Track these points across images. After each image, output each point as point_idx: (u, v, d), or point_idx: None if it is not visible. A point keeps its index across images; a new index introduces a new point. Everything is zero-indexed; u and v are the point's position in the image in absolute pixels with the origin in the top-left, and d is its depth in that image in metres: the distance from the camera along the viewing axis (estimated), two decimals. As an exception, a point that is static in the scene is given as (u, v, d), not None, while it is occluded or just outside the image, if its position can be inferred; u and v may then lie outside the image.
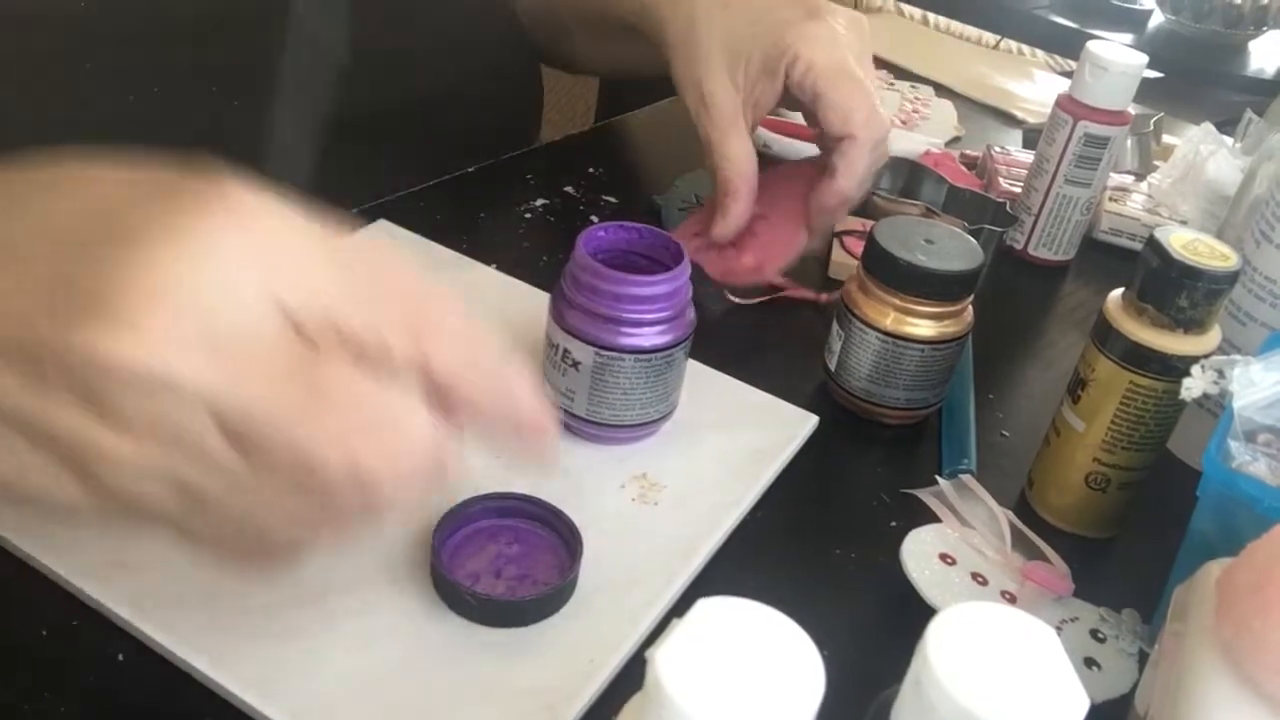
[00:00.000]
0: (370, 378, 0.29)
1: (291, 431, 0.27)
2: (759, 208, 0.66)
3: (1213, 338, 0.47)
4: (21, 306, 0.27)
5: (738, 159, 0.60)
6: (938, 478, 0.51)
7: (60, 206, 0.29)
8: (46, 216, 0.29)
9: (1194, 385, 0.44)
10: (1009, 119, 1.02)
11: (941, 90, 1.04)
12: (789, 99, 0.61)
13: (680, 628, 0.24)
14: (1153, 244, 0.46)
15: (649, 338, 0.47)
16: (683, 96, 0.62)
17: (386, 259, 0.31)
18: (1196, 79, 1.34)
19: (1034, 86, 1.10)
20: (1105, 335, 0.48)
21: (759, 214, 0.66)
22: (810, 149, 0.85)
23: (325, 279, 0.29)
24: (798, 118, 0.90)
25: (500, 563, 0.42)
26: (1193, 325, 0.46)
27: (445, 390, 0.31)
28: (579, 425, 0.49)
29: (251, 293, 0.28)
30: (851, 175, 0.59)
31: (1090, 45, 0.70)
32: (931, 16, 1.30)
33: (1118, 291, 0.49)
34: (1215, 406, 0.53)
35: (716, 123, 0.60)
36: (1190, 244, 0.46)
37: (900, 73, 1.06)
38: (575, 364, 0.48)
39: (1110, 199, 0.81)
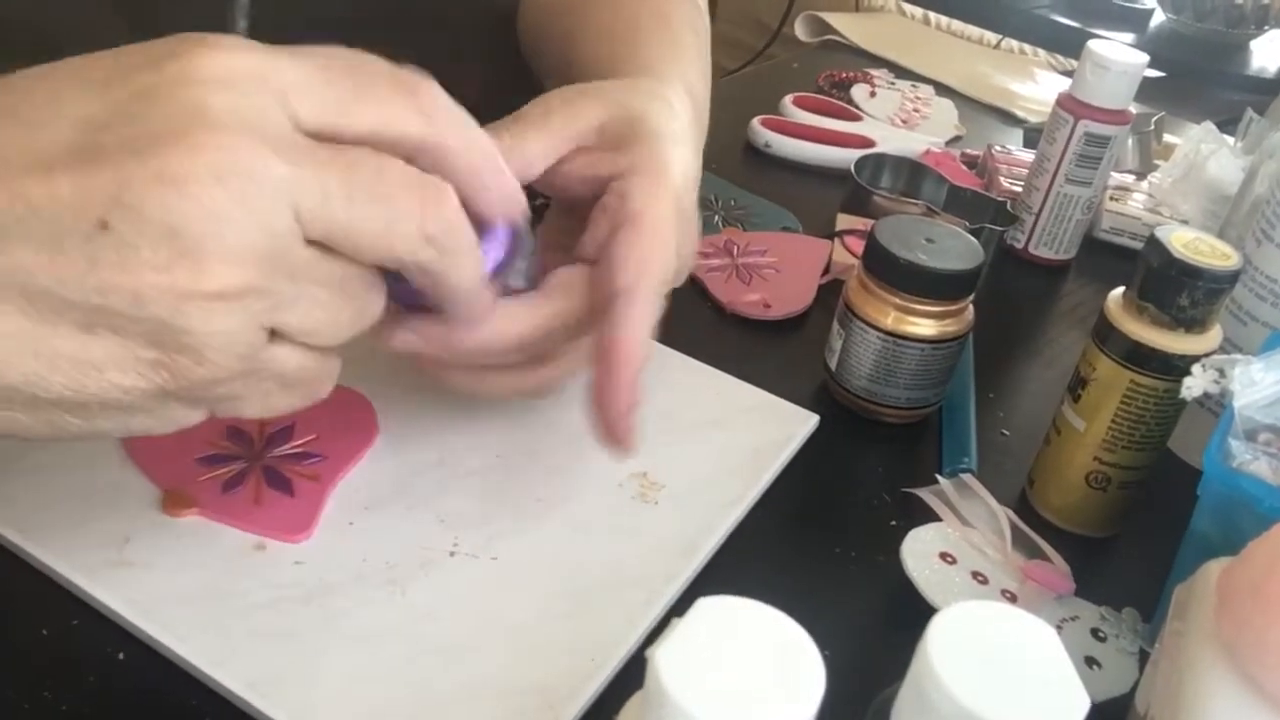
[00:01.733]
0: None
1: (370, 202, 0.30)
2: (774, 259, 0.67)
3: (1213, 337, 0.47)
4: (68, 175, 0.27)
5: (532, 159, 0.42)
6: (938, 476, 0.51)
7: (68, 85, 0.29)
8: (57, 101, 0.29)
9: (1194, 384, 0.44)
10: (1010, 118, 1.02)
11: (942, 89, 1.04)
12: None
13: (680, 627, 0.24)
14: (1153, 243, 0.46)
15: None
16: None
17: (354, 54, 0.32)
18: (1198, 78, 1.34)
19: (1035, 86, 1.10)
20: (1106, 334, 0.48)
21: (773, 264, 0.67)
22: (812, 150, 0.85)
23: (317, 82, 0.30)
24: (803, 117, 0.90)
25: None
26: (1193, 324, 0.46)
27: (449, 164, 0.33)
28: None
29: (269, 101, 0.29)
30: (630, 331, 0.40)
31: (1091, 44, 0.70)
32: (933, 16, 1.30)
33: (1118, 290, 0.48)
34: (1216, 406, 0.53)
35: (528, 114, 0.43)
36: (1191, 243, 0.46)
37: (901, 72, 1.06)
38: None
39: (1111, 198, 0.81)
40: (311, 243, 0.30)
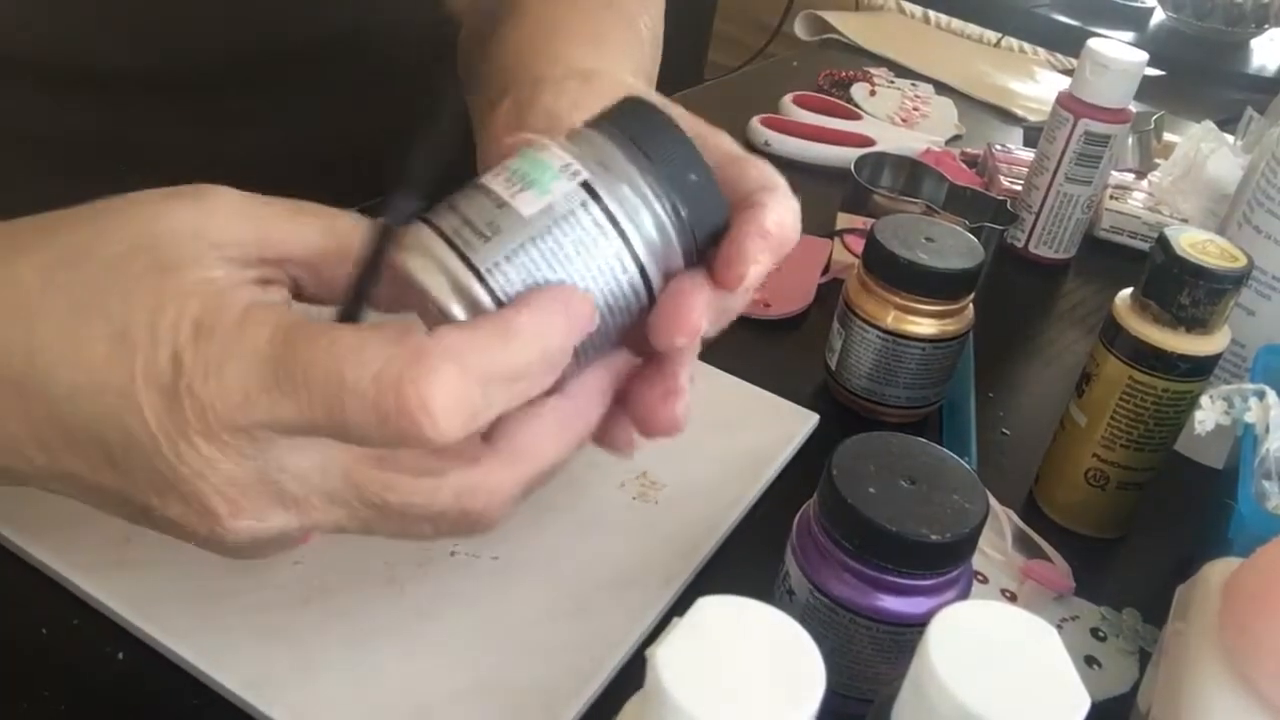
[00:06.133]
0: None
1: None
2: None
3: (1219, 339, 0.46)
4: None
5: None
6: (938, 476, 0.51)
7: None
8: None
9: (1206, 418, 0.43)
10: (1010, 117, 1.02)
11: (942, 88, 1.04)
12: None
13: (680, 626, 0.24)
14: (1161, 241, 0.46)
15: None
16: None
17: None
18: (1198, 77, 1.33)
19: (1035, 84, 1.10)
20: (1111, 331, 0.48)
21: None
22: (811, 149, 0.85)
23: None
24: (803, 116, 0.90)
25: None
26: (1195, 324, 0.46)
27: None
28: None
29: None
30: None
31: (1091, 43, 0.70)
32: (932, 14, 1.30)
33: (1129, 290, 0.48)
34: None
35: None
36: (1200, 244, 0.46)
37: (901, 70, 1.06)
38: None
39: (1111, 197, 0.81)
40: None
